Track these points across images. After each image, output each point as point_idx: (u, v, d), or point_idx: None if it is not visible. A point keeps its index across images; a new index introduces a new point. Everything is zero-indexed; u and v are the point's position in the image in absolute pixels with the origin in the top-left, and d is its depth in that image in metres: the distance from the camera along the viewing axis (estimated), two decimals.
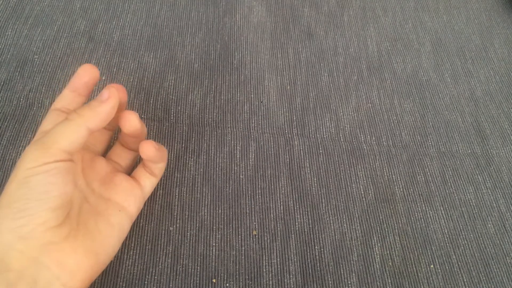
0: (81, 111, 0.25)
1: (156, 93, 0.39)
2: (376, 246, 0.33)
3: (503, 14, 0.49)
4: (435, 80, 0.43)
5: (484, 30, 0.47)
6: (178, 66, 0.41)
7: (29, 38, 0.41)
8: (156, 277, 0.30)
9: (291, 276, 0.30)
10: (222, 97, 0.39)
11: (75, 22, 0.42)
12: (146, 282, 0.29)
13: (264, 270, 0.31)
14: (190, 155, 0.35)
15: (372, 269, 0.32)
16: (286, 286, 0.30)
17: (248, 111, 0.38)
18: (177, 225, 0.32)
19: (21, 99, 0.37)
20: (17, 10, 0.42)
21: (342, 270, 0.31)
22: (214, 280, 0.30)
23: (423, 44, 0.45)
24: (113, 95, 0.26)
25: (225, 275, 0.30)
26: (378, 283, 0.31)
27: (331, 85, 0.41)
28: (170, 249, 0.31)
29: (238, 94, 0.39)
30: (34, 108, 0.36)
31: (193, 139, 0.36)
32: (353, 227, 0.33)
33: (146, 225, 0.32)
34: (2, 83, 0.37)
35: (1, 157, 0.34)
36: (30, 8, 0.43)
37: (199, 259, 0.31)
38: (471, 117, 0.40)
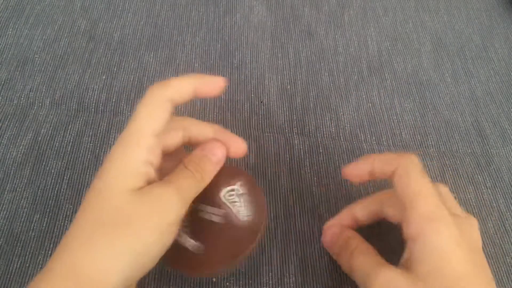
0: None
1: None
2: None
3: (504, 14, 0.49)
4: (435, 79, 0.43)
5: (484, 30, 0.47)
6: (178, 65, 0.41)
7: (30, 37, 0.41)
8: (156, 276, 0.30)
9: (290, 275, 0.30)
10: (222, 97, 0.39)
11: (75, 22, 0.42)
12: (146, 281, 0.29)
13: (264, 269, 0.31)
14: None
15: None
16: (285, 286, 0.30)
17: (248, 111, 0.38)
18: None
19: (22, 99, 0.37)
20: (18, 10, 0.42)
21: (342, 270, 0.31)
22: (214, 279, 0.30)
23: (424, 44, 0.45)
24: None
25: (225, 274, 0.30)
26: None
27: (331, 84, 0.41)
28: None
29: (238, 94, 0.39)
30: (35, 108, 0.36)
31: None
32: None
33: None
34: (2, 83, 0.38)
35: (2, 156, 0.34)
36: (30, 7, 0.43)
37: None
38: (471, 117, 0.40)
